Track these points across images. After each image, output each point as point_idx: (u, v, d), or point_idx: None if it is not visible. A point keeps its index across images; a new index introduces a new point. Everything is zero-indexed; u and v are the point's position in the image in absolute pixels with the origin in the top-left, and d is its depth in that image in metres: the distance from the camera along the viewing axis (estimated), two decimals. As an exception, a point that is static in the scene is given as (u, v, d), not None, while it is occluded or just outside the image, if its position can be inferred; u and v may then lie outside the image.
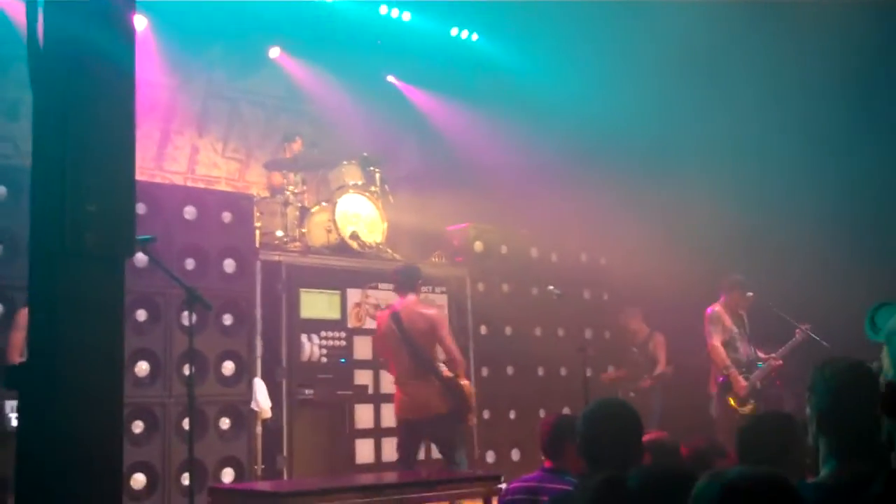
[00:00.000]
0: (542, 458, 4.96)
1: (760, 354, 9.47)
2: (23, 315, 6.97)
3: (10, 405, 7.04)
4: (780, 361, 9.30)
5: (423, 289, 9.68)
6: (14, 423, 7.00)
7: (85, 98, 3.53)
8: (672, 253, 10.25)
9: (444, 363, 7.96)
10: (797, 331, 9.33)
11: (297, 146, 10.51)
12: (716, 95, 10.43)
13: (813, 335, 9.23)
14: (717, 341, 9.30)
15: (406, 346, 7.92)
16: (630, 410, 3.99)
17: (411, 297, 8.15)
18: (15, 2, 9.20)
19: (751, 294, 9.51)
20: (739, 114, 10.33)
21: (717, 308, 9.47)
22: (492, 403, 10.40)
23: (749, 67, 10.47)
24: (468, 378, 8.49)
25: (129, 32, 3.66)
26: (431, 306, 8.53)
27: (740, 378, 9.18)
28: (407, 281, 8.24)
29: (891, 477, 1.95)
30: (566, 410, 9.52)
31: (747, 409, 9.14)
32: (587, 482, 3.70)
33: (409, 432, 8.07)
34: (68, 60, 3.48)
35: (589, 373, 9.08)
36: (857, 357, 3.17)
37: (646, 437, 4.18)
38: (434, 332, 7.95)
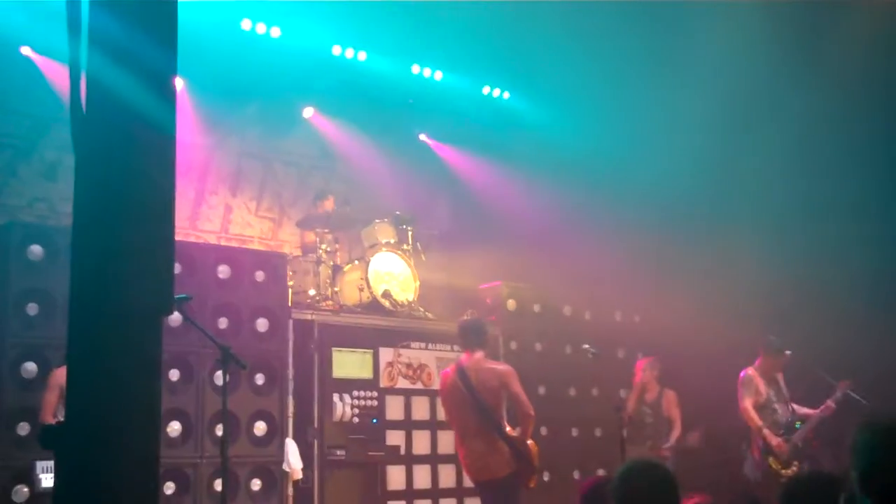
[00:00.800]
0: None
1: (804, 410, 9.32)
2: (56, 375, 6.97)
3: (42, 466, 7.03)
4: (833, 406, 9.10)
5: (457, 347, 9.64)
6: (45, 484, 6.98)
7: (127, 160, 3.55)
8: (709, 312, 10.14)
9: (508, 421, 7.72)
10: (840, 384, 9.17)
11: (329, 204, 10.54)
12: (755, 151, 10.40)
13: (852, 393, 9.08)
14: (747, 404, 9.15)
15: (473, 403, 7.56)
16: (666, 471, 3.91)
17: (478, 354, 7.77)
18: (54, 64, 9.34)
19: (788, 352, 9.37)
20: (780, 169, 10.28)
21: (749, 371, 9.34)
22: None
23: (788, 121, 10.41)
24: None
25: (172, 95, 3.69)
26: (501, 362, 8.32)
27: (774, 437, 9.01)
28: (474, 336, 7.87)
29: None
30: (601, 472, 9.37)
31: (791, 470, 8.94)
32: None
33: (481, 492, 7.71)
34: (111, 124, 3.50)
35: (625, 433, 8.95)
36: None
37: (690, 502, 4.11)
38: (506, 388, 7.60)
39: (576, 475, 10.03)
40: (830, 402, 9.17)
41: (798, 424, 9.27)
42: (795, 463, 9.00)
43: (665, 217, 10.77)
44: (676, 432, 9.91)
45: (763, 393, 9.23)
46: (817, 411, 9.22)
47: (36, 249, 7.73)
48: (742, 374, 9.36)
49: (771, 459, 9.03)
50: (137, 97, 3.50)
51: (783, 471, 8.97)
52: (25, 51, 9.56)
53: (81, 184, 3.48)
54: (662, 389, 10.12)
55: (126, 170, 3.51)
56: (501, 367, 7.88)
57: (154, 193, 3.63)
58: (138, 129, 3.52)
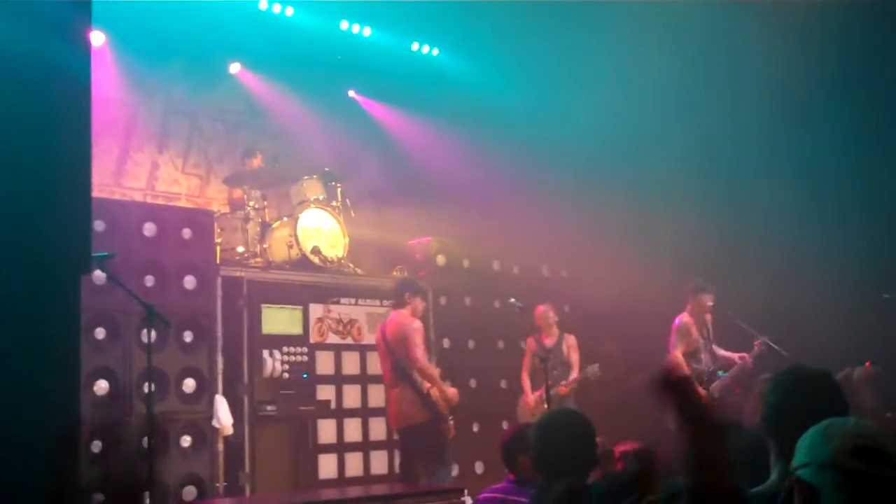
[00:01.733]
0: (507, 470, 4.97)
1: (725, 353, 9.56)
2: None
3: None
4: (749, 360, 9.35)
5: (385, 302, 9.74)
6: None
7: (39, 113, 3.51)
8: (633, 263, 10.32)
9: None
10: (756, 342, 9.42)
11: (257, 161, 10.49)
12: (675, 102, 10.53)
13: (773, 345, 9.33)
14: (678, 352, 9.38)
15: (388, 354, 8.43)
16: (582, 419, 4.00)
17: (403, 310, 8.59)
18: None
19: (710, 302, 9.58)
20: (700, 120, 10.43)
21: (684, 318, 9.56)
22: (455, 416, 10.38)
23: (707, 72, 10.56)
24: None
25: (85, 46, 3.65)
26: (415, 319, 8.61)
27: (698, 388, 9.26)
28: (397, 295, 8.75)
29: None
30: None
31: None
32: (545, 493, 3.71)
33: (401, 441, 8.54)
34: (21, 75, 3.45)
35: (551, 383, 9.17)
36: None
37: (620, 447, 4.21)
38: (408, 339, 8.29)
39: (504, 425, 10.16)
40: (748, 357, 9.43)
41: (720, 373, 9.53)
42: None
43: (592, 172, 10.89)
44: (574, 374, 10.00)
45: (694, 340, 9.48)
46: (736, 358, 9.48)
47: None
48: (677, 321, 9.57)
49: None
50: (49, 46, 3.46)
51: None
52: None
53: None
54: (562, 334, 10.26)
55: (39, 121, 3.47)
56: (409, 321, 8.48)
57: (69, 147, 3.60)
58: (51, 79, 3.48)
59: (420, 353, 8.31)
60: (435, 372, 8.50)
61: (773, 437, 3.10)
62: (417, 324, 8.47)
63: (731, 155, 10.64)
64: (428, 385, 8.30)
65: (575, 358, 10.11)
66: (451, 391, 8.42)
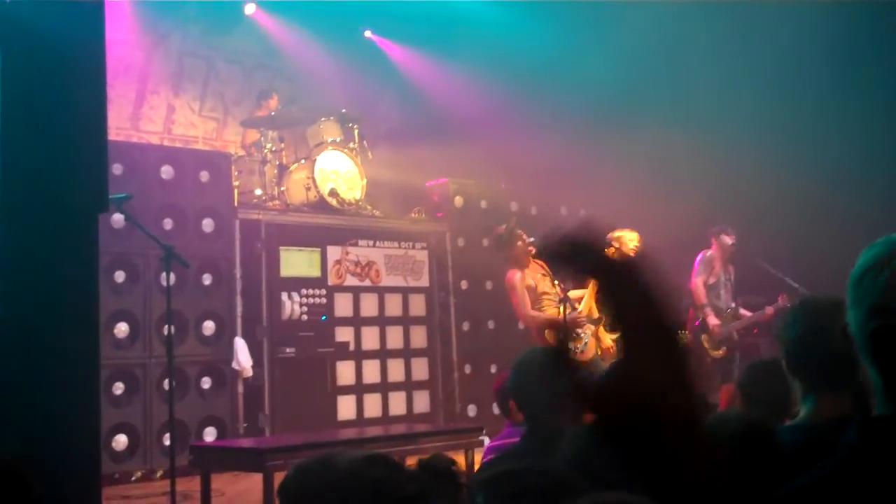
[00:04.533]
0: None
1: (743, 312, 9.52)
2: None
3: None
4: (771, 313, 9.29)
5: (404, 244, 9.76)
6: None
7: (54, 53, 3.49)
8: (654, 204, 10.24)
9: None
10: (782, 296, 9.32)
11: (273, 103, 10.43)
12: (698, 40, 10.38)
13: (797, 294, 9.24)
14: (699, 281, 9.36)
15: None
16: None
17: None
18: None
19: (733, 239, 9.51)
20: (724, 58, 10.29)
21: (709, 252, 9.52)
22: (473, 357, 10.45)
23: (722, 13, 10.40)
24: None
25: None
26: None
27: (714, 317, 9.27)
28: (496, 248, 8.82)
29: (865, 424, 1.85)
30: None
31: (719, 353, 9.24)
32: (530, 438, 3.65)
33: None
34: (36, 18, 3.43)
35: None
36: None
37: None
38: None
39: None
40: (769, 308, 9.38)
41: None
42: (724, 348, 9.29)
43: (612, 110, 10.77)
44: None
45: (717, 274, 9.45)
46: (752, 315, 9.45)
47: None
48: (700, 254, 9.53)
49: (704, 337, 9.30)
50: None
51: (712, 351, 9.28)
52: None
53: (8, 79, 3.43)
54: None
55: (54, 63, 3.46)
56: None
57: (84, 88, 3.59)
58: (65, 21, 3.46)
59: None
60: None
61: (796, 373, 3.05)
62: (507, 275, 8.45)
63: (760, 97, 10.47)
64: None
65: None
66: None
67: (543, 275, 8.72)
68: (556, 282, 8.59)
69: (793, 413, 3.24)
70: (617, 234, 8.88)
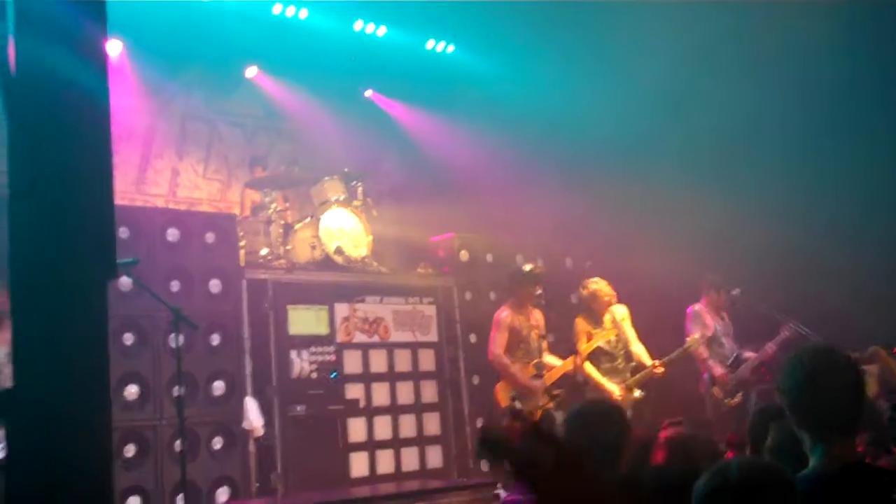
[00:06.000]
0: None
1: (749, 354, 9.53)
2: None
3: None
4: (774, 348, 9.32)
5: (411, 300, 9.82)
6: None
7: (60, 124, 3.54)
8: (656, 254, 10.29)
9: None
10: (784, 326, 9.37)
11: (258, 172, 10.68)
12: (693, 92, 10.47)
13: (800, 328, 9.28)
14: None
15: None
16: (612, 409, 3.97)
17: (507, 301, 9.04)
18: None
19: (736, 292, 9.58)
20: (718, 109, 10.36)
21: (697, 307, 9.61)
22: (485, 412, 10.41)
23: (724, 63, 10.49)
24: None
25: (102, 57, 3.67)
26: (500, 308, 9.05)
27: (717, 366, 9.28)
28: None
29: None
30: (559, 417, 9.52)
31: (735, 401, 9.22)
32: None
33: None
34: (41, 87, 3.48)
35: (580, 378, 9.10)
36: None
37: (663, 434, 4.20)
38: None
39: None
40: (771, 345, 9.39)
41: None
42: (739, 394, 9.28)
43: (611, 164, 10.86)
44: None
45: (711, 327, 9.48)
46: (758, 354, 9.45)
47: (-24, 219, 7.65)
48: (689, 309, 9.60)
49: (715, 389, 9.31)
50: (67, 58, 3.49)
51: (726, 400, 9.27)
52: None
53: (15, 149, 3.48)
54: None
55: (60, 132, 3.50)
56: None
57: (90, 155, 3.63)
58: (70, 90, 3.51)
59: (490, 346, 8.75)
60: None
61: (801, 424, 3.03)
62: (495, 315, 8.86)
63: (752, 145, 10.56)
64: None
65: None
66: None
67: (534, 326, 8.80)
68: (541, 340, 8.71)
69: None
70: (592, 283, 9.01)
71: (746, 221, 10.20)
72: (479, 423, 10.34)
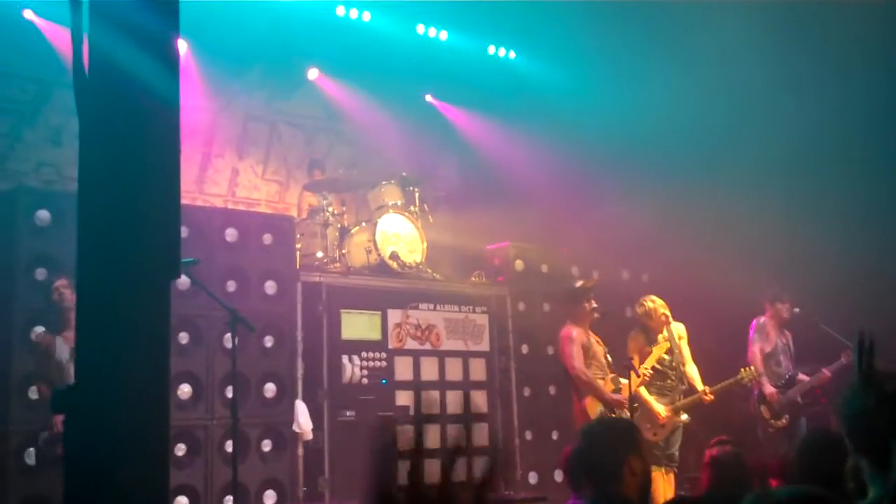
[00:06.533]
0: None
1: (802, 376, 9.35)
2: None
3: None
4: (829, 374, 9.15)
5: (464, 308, 9.76)
6: (32, 460, 7.12)
7: (131, 124, 3.54)
8: (719, 269, 10.13)
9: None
10: (843, 353, 9.17)
11: (317, 174, 10.63)
12: (757, 101, 10.31)
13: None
14: (756, 349, 9.24)
15: None
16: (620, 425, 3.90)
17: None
18: (57, 27, 9.31)
19: (797, 309, 9.41)
20: (783, 119, 10.19)
21: (763, 319, 9.44)
22: (534, 424, 10.33)
23: (797, 75, 10.32)
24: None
25: (174, 58, 3.67)
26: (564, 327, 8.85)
27: (769, 386, 9.11)
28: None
29: None
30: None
31: (782, 422, 9.05)
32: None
33: None
34: (114, 88, 3.49)
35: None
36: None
37: (709, 452, 4.13)
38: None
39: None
40: (826, 371, 9.20)
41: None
42: (786, 416, 9.09)
43: (672, 174, 10.71)
44: None
45: (772, 342, 9.31)
46: (812, 378, 9.27)
47: (43, 214, 7.74)
48: (754, 322, 9.44)
49: (763, 408, 9.13)
50: (139, 60, 3.49)
51: (773, 421, 9.09)
52: (28, 14, 9.53)
53: (86, 149, 3.48)
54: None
55: (130, 134, 3.50)
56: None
57: (159, 157, 3.63)
58: (141, 92, 3.51)
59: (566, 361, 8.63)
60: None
61: (860, 451, 2.94)
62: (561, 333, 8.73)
63: (818, 155, 10.34)
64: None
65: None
66: None
67: (598, 343, 8.68)
68: (607, 356, 8.57)
69: (849, 490, 3.15)
70: (648, 301, 8.85)
71: (815, 238, 9.99)
72: (529, 435, 10.27)
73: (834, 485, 3.38)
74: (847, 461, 3.54)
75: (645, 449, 3.78)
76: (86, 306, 3.45)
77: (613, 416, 8.19)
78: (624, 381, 8.40)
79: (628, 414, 8.01)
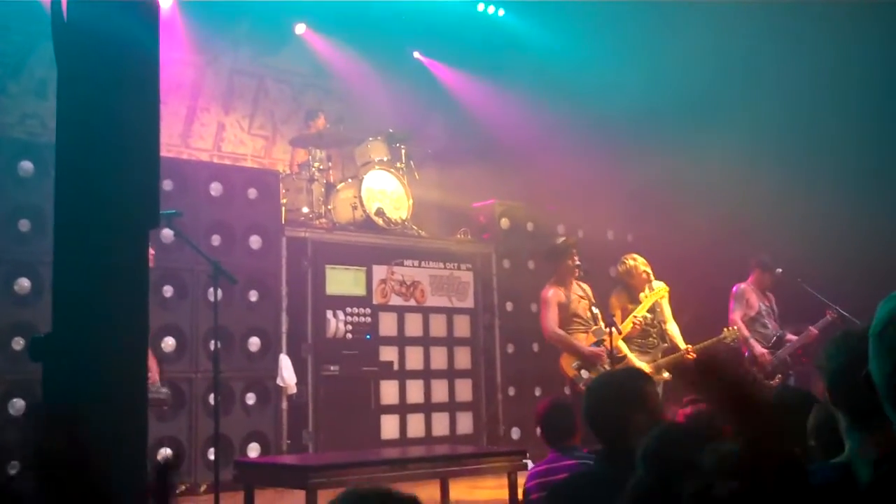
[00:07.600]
0: None
1: (790, 336, 9.42)
2: None
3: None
4: (816, 331, 9.21)
5: (449, 265, 9.77)
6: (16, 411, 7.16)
7: (109, 73, 3.53)
8: (700, 229, 10.16)
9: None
10: (828, 312, 9.24)
11: (320, 123, 10.50)
12: (753, 64, 10.29)
13: (844, 313, 9.15)
14: (737, 316, 9.28)
15: None
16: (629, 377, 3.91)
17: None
18: (42, -21, 9.23)
19: (779, 270, 9.45)
20: (780, 84, 10.18)
21: (742, 286, 9.47)
22: (517, 380, 10.41)
23: (791, 36, 10.29)
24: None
25: (154, 7, 3.66)
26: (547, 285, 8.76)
27: (758, 346, 9.17)
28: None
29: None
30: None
31: (774, 382, 9.13)
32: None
33: None
34: (92, 36, 3.47)
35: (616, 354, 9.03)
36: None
37: (682, 412, 4.14)
38: None
39: (566, 390, 10.13)
40: (812, 329, 9.27)
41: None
42: (779, 376, 9.17)
43: (659, 134, 10.71)
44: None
45: (754, 307, 9.37)
46: (800, 337, 9.34)
47: (26, 165, 7.71)
48: (735, 288, 9.48)
49: (754, 370, 9.20)
50: (118, 8, 3.47)
51: (765, 381, 9.17)
52: (12, -35, 9.44)
53: (63, 96, 3.47)
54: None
55: (108, 81, 3.49)
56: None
57: (138, 103, 3.62)
58: (120, 36, 3.49)
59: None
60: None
61: (841, 406, 2.97)
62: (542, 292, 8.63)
63: (808, 118, 10.33)
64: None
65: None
66: None
67: (582, 297, 8.69)
68: (593, 309, 8.57)
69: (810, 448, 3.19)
70: (629, 259, 8.84)
71: (801, 201, 10.02)
72: (512, 391, 10.34)
73: (797, 442, 3.41)
74: (808, 420, 3.58)
75: (654, 400, 3.75)
76: (63, 253, 3.46)
77: (583, 372, 8.23)
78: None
79: (607, 368, 8.06)
